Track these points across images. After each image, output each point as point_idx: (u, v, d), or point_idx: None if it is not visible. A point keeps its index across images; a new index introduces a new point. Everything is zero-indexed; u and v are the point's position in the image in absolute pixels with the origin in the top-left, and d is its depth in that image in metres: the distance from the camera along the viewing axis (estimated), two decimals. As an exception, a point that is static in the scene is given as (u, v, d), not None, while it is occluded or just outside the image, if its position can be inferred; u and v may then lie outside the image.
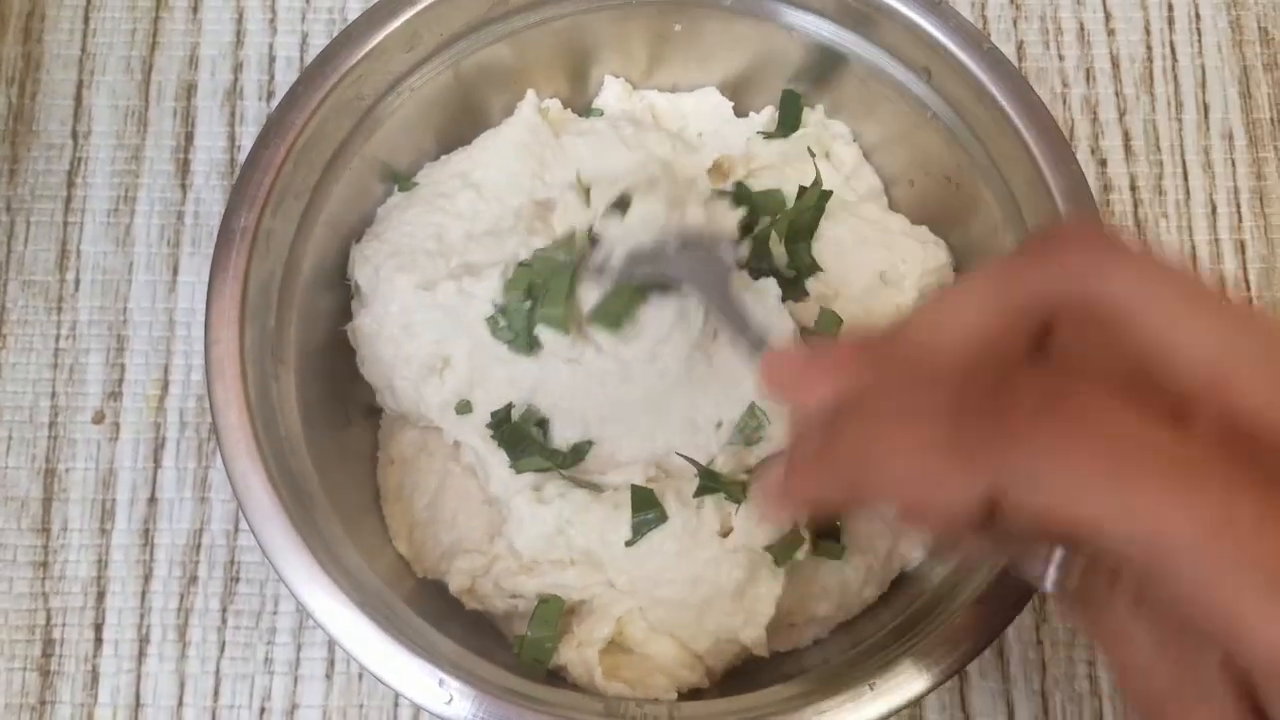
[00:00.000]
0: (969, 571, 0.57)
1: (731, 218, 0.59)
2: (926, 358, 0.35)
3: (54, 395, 0.69)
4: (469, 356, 0.58)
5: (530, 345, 0.57)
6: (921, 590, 0.60)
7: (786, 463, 0.38)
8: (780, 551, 0.56)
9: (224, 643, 0.65)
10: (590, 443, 0.58)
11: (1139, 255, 0.32)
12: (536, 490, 0.57)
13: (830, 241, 0.63)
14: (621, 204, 0.57)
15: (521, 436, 0.58)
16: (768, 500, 0.39)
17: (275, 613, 0.66)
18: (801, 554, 0.56)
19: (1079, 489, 0.28)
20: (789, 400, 0.41)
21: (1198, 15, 0.76)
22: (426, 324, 0.58)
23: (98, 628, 0.66)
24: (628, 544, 0.56)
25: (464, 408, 0.59)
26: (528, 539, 0.57)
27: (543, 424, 0.59)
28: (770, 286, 0.57)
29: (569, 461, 0.58)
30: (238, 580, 0.66)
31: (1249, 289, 0.71)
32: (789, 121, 0.67)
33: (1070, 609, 0.36)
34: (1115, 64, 0.75)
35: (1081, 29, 0.76)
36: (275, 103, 0.71)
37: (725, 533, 0.57)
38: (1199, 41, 0.75)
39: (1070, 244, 0.33)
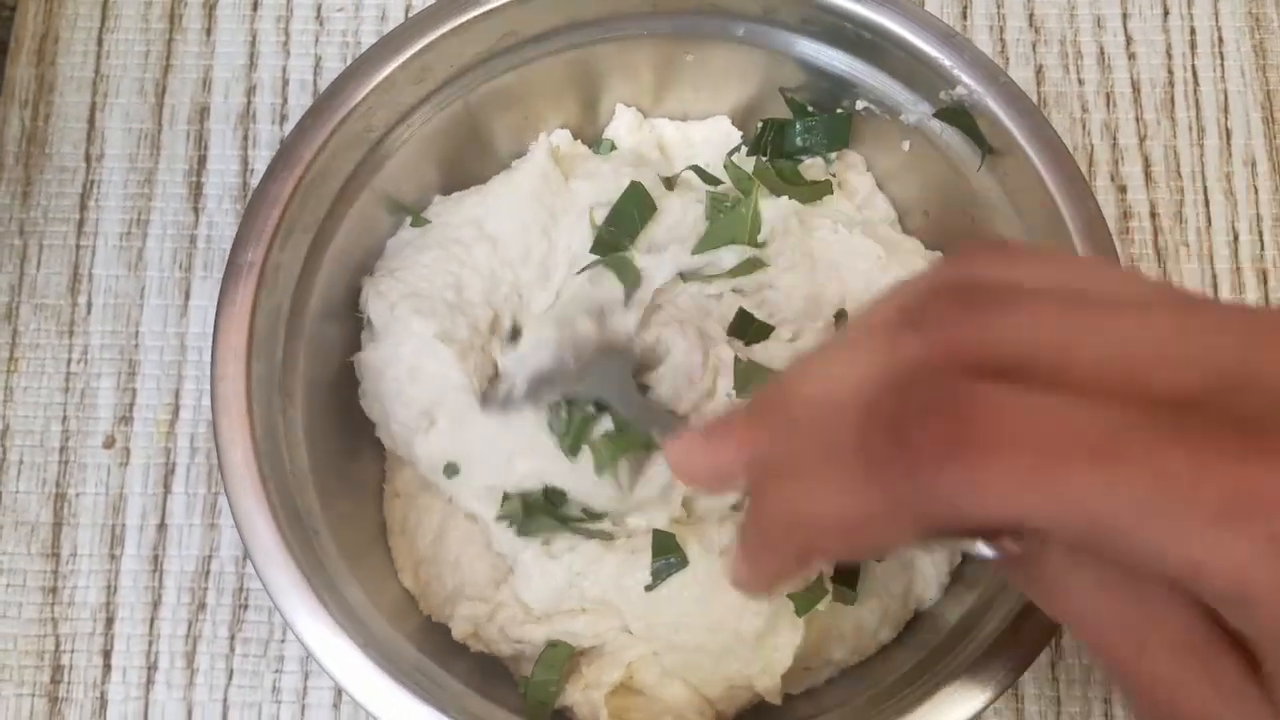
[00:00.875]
0: (985, 611, 0.56)
1: (629, 319, 0.59)
2: (824, 413, 0.34)
3: (65, 419, 0.69)
4: (456, 423, 0.58)
5: (574, 452, 0.57)
6: (938, 631, 0.59)
7: (736, 550, 0.38)
8: (802, 601, 0.55)
9: (232, 670, 0.65)
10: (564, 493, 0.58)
11: (1006, 290, 0.32)
12: (545, 545, 0.57)
13: (844, 254, 0.62)
14: (514, 334, 0.60)
15: (534, 513, 0.57)
16: (738, 587, 0.38)
17: (283, 641, 0.65)
18: (824, 605, 0.56)
19: (1007, 493, 0.28)
20: (700, 486, 0.42)
21: (1220, 39, 0.75)
22: (433, 374, 0.58)
23: (106, 654, 0.66)
24: (647, 589, 0.55)
25: (451, 470, 0.58)
26: (536, 594, 0.56)
27: (556, 496, 0.57)
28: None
29: (584, 521, 0.57)
30: (246, 608, 0.66)
31: (1271, 319, 0.70)
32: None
33: (1010, 573, 0.36)
34: (1136, 89, 0.74)
35: (1101, 53, 0.74)
36: (288, 126, 0.72)
37: None
38: (1221, 66, 0.74)
39: (939, 309, 0.32)
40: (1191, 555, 0.27)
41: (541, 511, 0.57)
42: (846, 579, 0.58)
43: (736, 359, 0.57)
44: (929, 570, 0.60)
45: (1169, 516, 0.27)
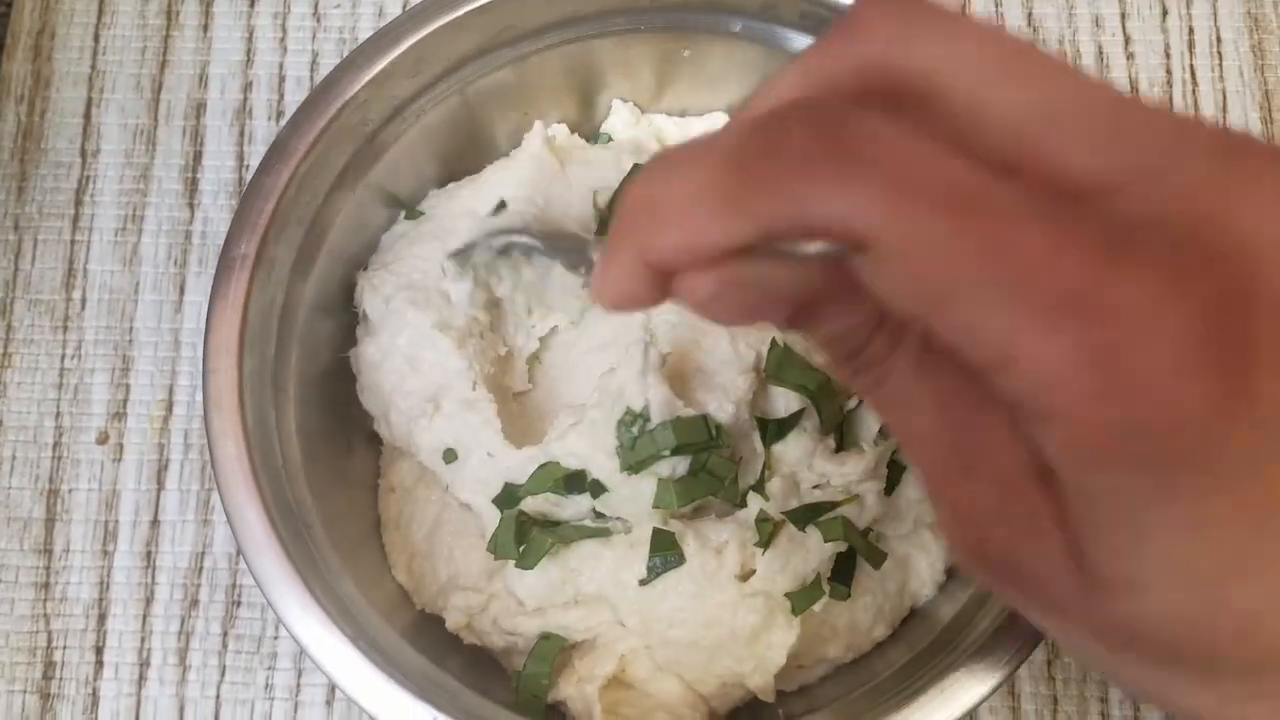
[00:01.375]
0: (980, 607, 0.56)
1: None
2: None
3: (58, 415, 0.69)
4: (461, 407, 0.58)
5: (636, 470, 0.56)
6: (933, 627, 0.59)
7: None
8: (799, 599, 0.55)
9: (224, 667, 0.65)
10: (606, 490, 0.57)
11: (947, 18, 0.30)
12: None
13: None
14: (499, 207, 0.59)
15: (528, 532, 0.57)
16: (595, 297, 0.33)
17: (276, 638, 0.65)
18: (819, 606, 0.55)
19: (850, 213, 0.26)
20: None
21: (1219, 39, 0.74)
22: (432, 364, 0.57)
23: (98, 650, 0.65)
24: (642, 583, 0.55)
25: (450, 456, 0.58)
26: (530, 588, 0.56)
27: (595, 488, 0.56)
28: None
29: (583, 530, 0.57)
30: (239, 604, 0.66)
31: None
32: None
33: (852, 374, 0.35)
34: (1134, 88, 0.74)
35: (1100, 52, 0.74)
36: (285, 122, 0.72)
37: (744, 576, 0.56)
38: (1220, 66, 0.74)
39: (874, 15, 0.30)
40: (1005, 343, 0.26)
41: (537, 525, 0.56)
42: (841, 576, 0.58)
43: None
44: (924, 567, 0.60)
45: (997, 294, 0.25)
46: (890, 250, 0.26)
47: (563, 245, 0.54)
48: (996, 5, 0.75)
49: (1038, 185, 0.28)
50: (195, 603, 0.66)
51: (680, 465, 0.54)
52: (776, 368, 0.56)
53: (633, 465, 0.54)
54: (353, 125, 0.59)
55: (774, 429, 0.56)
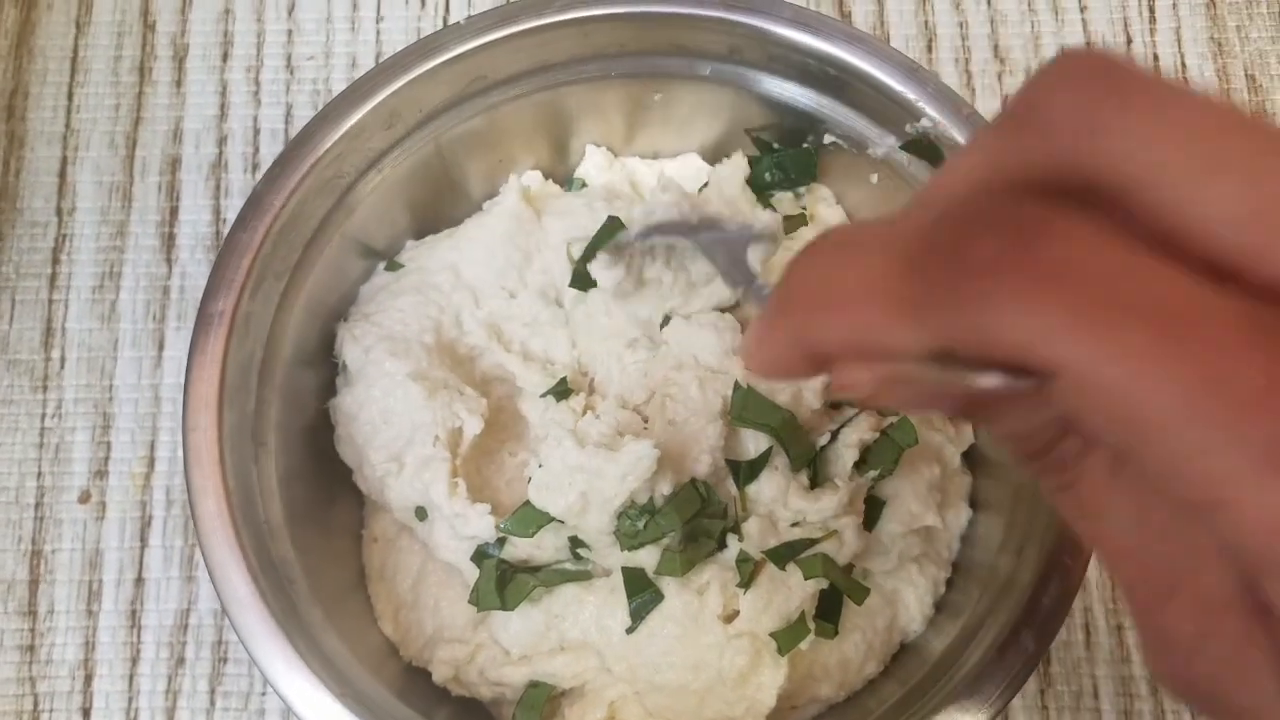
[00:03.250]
0: (970, 640, 0.56)
1: (764, 216, 0.58)
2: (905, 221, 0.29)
3: (40, 475, 0.69)
4: (422, 465, 0.58)
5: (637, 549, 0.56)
6: (924, 662, 0.59)
7: (751, 324, 0.33)
8: (785, 638, 0.55)
9: (213, 725, 0.64)
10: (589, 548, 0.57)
11: (1148, 96, 0.25)
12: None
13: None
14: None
15: (509, 581, 0.57)
16: (745, 362, 0.33)
17: (264, 694, 0.65)
18: (806, 644, 0.55)
19: (1041, 340, 0.23)
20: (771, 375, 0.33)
21: (1184, 64, 0.75)
22: (402, 416, 0.57)
23: (86, 712, 0.65)
24: (629, 631, 0.55)
25: (420, 514, 0.58)
26: (514, 635, 0.56)
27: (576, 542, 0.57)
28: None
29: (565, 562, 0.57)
30: (226, 661, 0.65)
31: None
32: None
33: (1038, 473, 0.32)
34: (1102, 116, 0.74)
35: (1067, 81, 0.75)
36: (260, 175, 0.72)
37: (728, 617, 0.56)
38: (1186, 91, 0.75)
39: (1062, 101, 0.27)
40: (1222, 486, 0.23)
41: (519, 572, 0.56)
42: (828, 614, 0.57)
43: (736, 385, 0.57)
44: (912, 602, 0.60)
45: (1213, 436, 0.22)
46: (1087, 383, 0.23)
47: (707, 235, 0.55)
48: (963, 39, 0.76)
49: (1256, 294, 0.24)
50: (182, 660, 0.66)
51: (678, 533, 0.54)
52: (740, 409, 0.56)
53: (634, 546, 0.54)
54: (328, 178, 0.59)
55: (746, 470, 0.57)
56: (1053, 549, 0.53)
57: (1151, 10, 0.76)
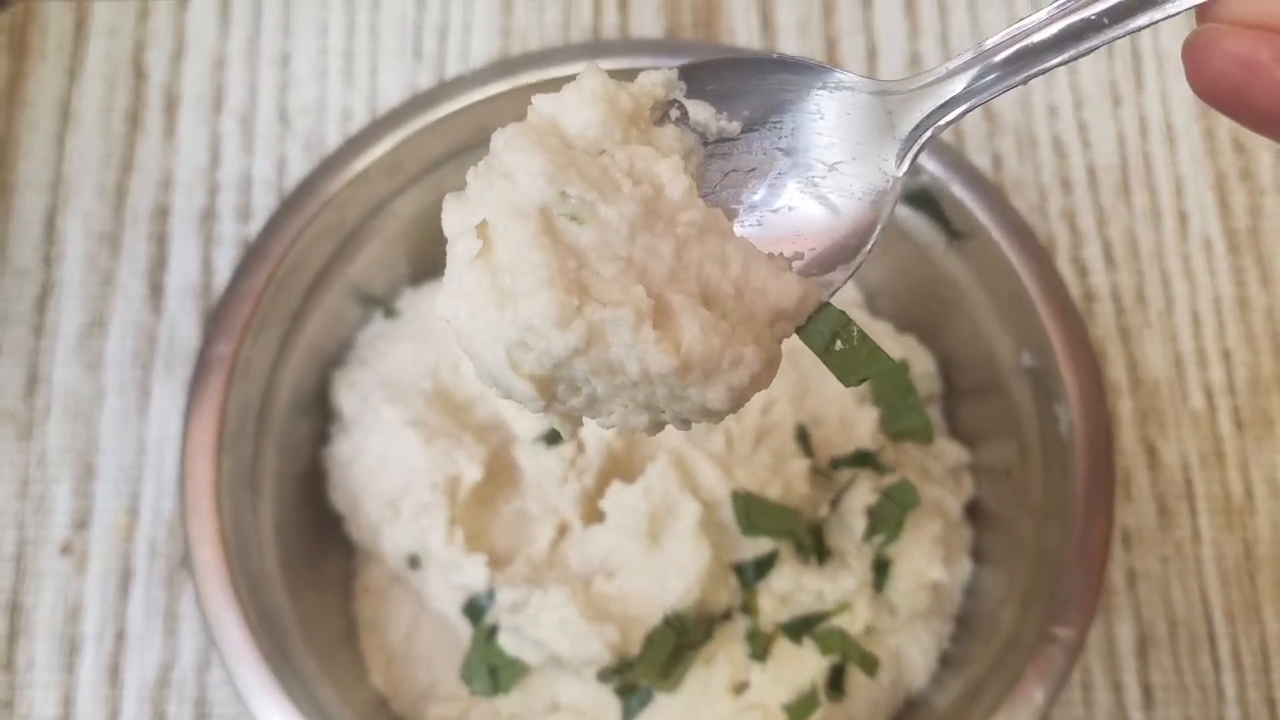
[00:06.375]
0: (975, 695, 0.55)
1: None
2: None
3: (21, 526, 0.67)
4: (419, 512, 0.57)
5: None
6: (930, 717, 0.58)
7: None
8: (796, 711, 0.54)
9: (195, 784, 0.63)
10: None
11: None
12: None
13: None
14: None
15: (497, 650, 0.56)
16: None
17: (249, 752, 0.63)
18: (818, 716, 0.54)
19: None
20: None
21: (1170, 125, 0.77)
22: (399, 464, 0.57)
23: (63, 771, 0.63)
24: None
25: (414, 562, 0.57)
26: (508, 696, 0.55)
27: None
28: None
29: None
30: (208, 717, 0.64)
31: (1234, 397, 0.70)
32: None
33: None
34: (1092, 174, 0.75)
35: (1056, 140, 0.76)
36: (253, 224, 0.71)
37: (737, 689, 0.55)
38: (1173, 151, 0.76)
39: None
40: None
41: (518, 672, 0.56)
42: (837, 682, 0.57)
43: None
44: (916, 657, 0.59)
45: None
46: None
47: None
48: (954, 98, 0.77)
49: None
50: (163, 716, 0.64)
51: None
52: (747, 520, 0.55)
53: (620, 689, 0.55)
54: (331, 225, 0.59)
55: (752, 572, 0.56)
56: (1058, 601, 0.53)
57: (1138, 74, 0.78)
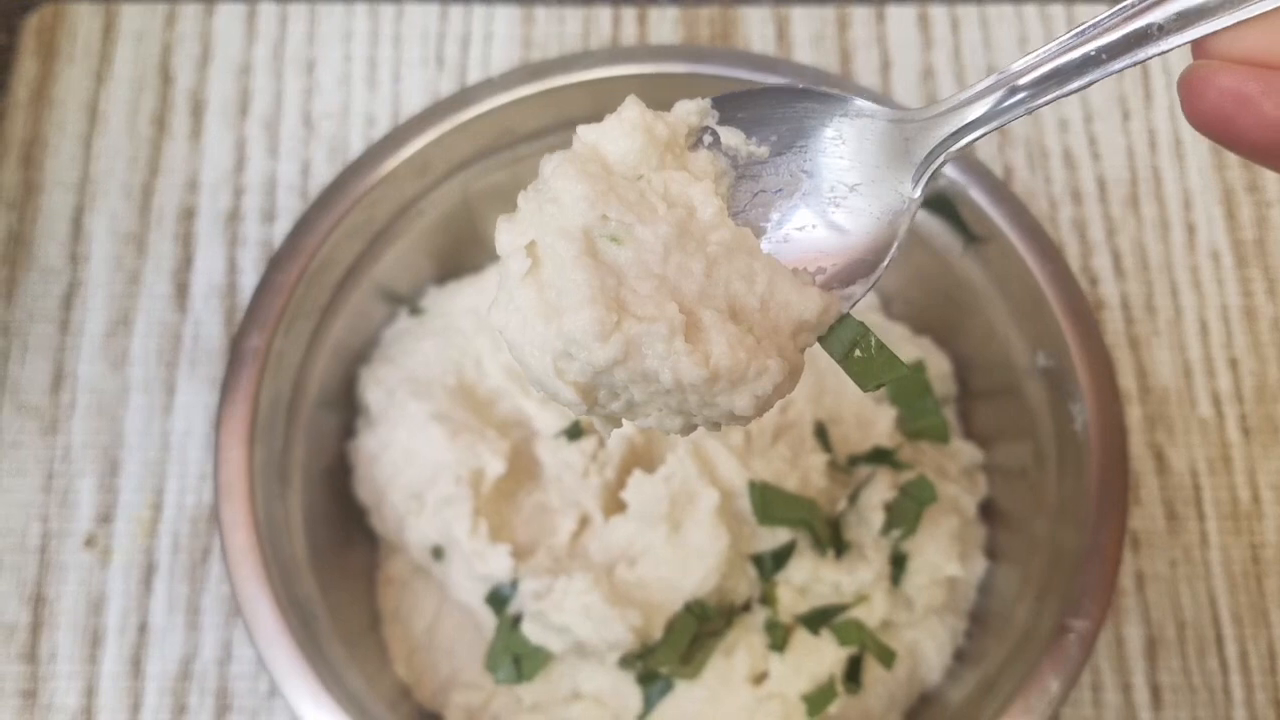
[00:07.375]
0: (989, 690, 0.56)
1: None
2: None
3: (45, 519, 0.68)
4: (443, 504, 0.58)
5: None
6: (944, 711, 0.59)
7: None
8: (815, 701, 0.55)
9: (216, 775, 0.63)
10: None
11: None
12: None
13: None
14: None
15: (521, 639, 0.57)
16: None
17: (269, 743, 0.64)
18: (835, 708, 0.55)
19: None
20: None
21: (1179, 140, 0.78)
22: (425, 457, 0.58)
23: (84, 761, 0.64)
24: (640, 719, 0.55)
25: (438, 553, 0.58)
26: (531, 684, 0.56)
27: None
28: None
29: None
30: (229, 709, 0.64)
31: (1241, 404, 0.71)
32: None
33: None
34: (1102, 186, 0.77)
35: (1067, 154, 0.77)
36: (277, 226, 0.73)
37: (756, 679, 0.56)
38: (1181, 164, 0.77)
39: None
40: None
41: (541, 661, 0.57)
42: (853, 674, 0.58)
43: None
44: (931, 652, 0.60)
45: None
46: None
47: None
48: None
49: None
50: (184, 709, 0.64)
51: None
52: (763, 508, 0.57)
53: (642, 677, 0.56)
54: (361, 223, 0.60)
55: (770, 563, 0.57)
56: (1073, 598, 0.54)
57: (1147, 89, 0.79)
